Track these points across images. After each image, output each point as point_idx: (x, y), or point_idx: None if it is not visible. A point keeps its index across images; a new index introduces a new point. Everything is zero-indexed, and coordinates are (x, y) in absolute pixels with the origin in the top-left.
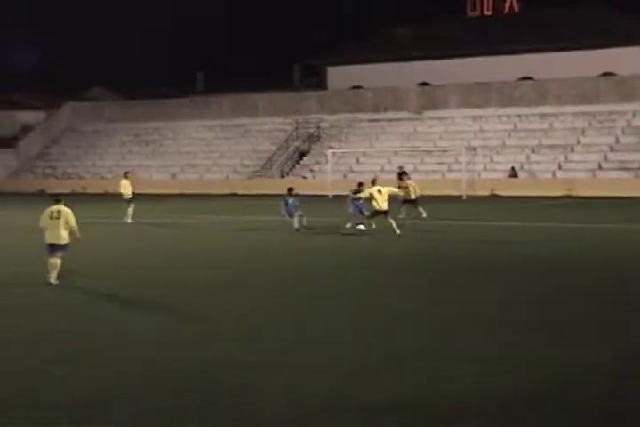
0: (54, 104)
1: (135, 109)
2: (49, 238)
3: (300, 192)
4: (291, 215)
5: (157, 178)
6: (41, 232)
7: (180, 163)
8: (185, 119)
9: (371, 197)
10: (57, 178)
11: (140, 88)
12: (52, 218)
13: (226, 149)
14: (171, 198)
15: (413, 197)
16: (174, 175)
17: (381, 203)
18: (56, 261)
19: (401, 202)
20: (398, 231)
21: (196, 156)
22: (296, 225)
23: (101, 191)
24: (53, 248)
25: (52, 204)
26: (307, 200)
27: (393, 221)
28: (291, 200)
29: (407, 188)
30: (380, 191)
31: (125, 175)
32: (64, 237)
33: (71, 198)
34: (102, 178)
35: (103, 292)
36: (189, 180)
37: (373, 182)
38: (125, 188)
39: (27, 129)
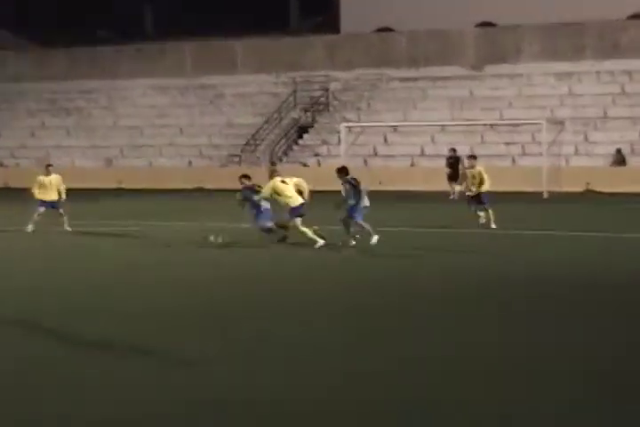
0: None
1: (52, 62)
2: None
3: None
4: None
5: (84, 165)
6: None
7: (119, 142)
8: (126, 77)
9: (274, 193)
10: None
11: (62, 31)
12: None
13: (187, 122)
14: (104, 195)
15: (474, 189)
16: (109, 161)
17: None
18: None
19: (468, 200)
20: (321, 242)
21: (142, 132)
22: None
23: (1, 185)
24: None
25: None
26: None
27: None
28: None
29: (478, 177)
30: (284, 182)
31: (48, 170)
32: None
33: None
34: (1, 165)
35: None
36: (132, 168)
37: (272, 174)
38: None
39: None
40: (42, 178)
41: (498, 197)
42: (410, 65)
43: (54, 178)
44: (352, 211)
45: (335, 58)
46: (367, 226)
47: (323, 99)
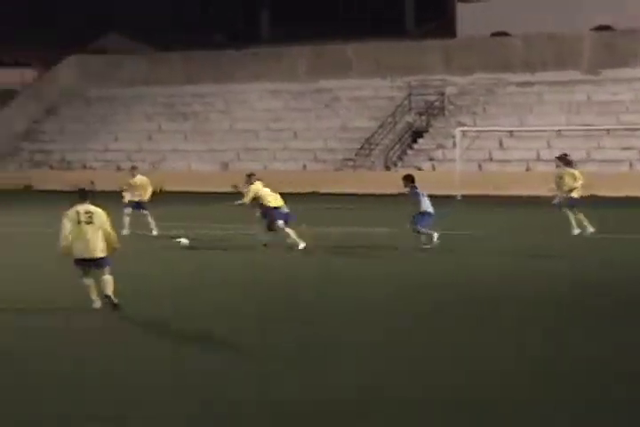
0: (49, 59)
1: (168, 66)
2: (77, 251)
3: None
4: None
5: (199, 168)
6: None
7: (235, 146)
8: (242, 81)
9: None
10: (51, 168)
11: (176, 35)
12: (79, 223)
13: (302, 126)
14: (221, 199)
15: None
16: (225, 165)
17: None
18: (108, 277)
19: (562, 204)
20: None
21: (257, 136)
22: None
23: (116, 188)
24: (88, 265)
25: (75, 202)
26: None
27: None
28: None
29: (567, 179)
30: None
31: (133, 172)
32: (101, 248)
33: (72, 198)
34: (118, 169)
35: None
36: (248, 171)
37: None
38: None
39: (7, 95)
40: (129, 180)
41: (615, 203)
42: (526, 69)
43: (140, 179)
44: (416, 218)
45: (451, 62)
46: (428, 232)
47: (438, 103)
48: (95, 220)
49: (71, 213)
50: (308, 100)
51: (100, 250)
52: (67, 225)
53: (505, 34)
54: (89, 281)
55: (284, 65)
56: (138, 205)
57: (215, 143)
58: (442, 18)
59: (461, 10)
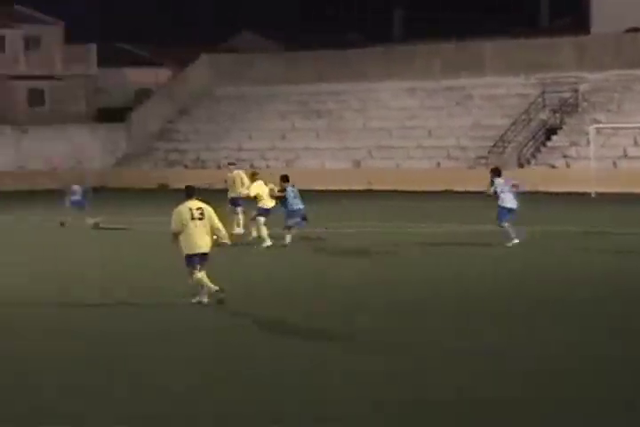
0: (182, 58)
1: (302, 65)
2: (192, 246)
3: (549, 188)
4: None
5: (333, 166)
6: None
7: (368, 144)
8: (376, 79)
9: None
10: (186, 167)
11: (308, 33)
12: (193, 218)
13: (435, 124)
14: (355, 197)
15: None
16: (357, 163)
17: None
18: (203, 274)
19: None
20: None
21: (391, 134)
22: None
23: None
24: (200, 259)
25: (184, 200)
26: (553, 199)
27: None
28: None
29: None
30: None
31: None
32: (208, 243)
33: (205, 196)
34: (252, 167)
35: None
36: (380, 169)
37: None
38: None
39: (143, 94)
40: (227, 175)
41: None
42: None
43: (237, 175)
44: (499, 213)
45: (585, 59)
46: (509, 230)
47: (572, 100)
48: (205, 215)
49: (184, 209)
50: (440, 98)
51: (207, 245)
52: (178, 221)
53: (639, 30)
54: (201, 274)
55: (417, 63)
56: (233, 202)
57: (349, 141)
58: (576, 13)
59: (596, 5)
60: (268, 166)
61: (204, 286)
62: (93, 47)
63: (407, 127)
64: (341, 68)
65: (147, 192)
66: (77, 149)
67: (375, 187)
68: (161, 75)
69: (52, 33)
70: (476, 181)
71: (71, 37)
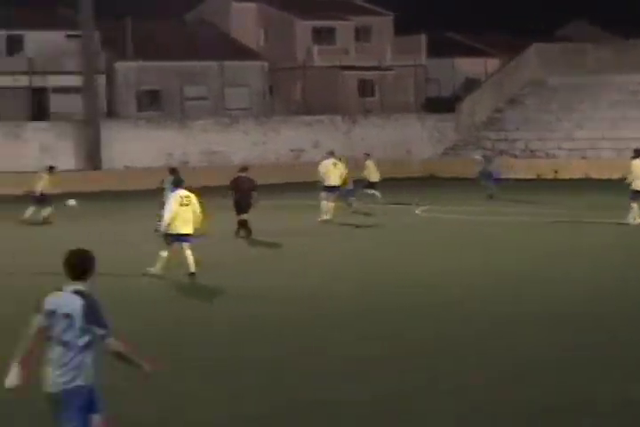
0: (511, 48)
1: (634, 54)
2: (175, 227)
3: None
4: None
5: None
6: None
7: None
8: None
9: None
10: (516, 157)
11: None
12: (181, 205)
13: None
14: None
15: None
16: None
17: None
18: (189, 253)
19: None
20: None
21: None
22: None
23: (581, 176)
24: (180, 238)
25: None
26: None
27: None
28: None
29: None
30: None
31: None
32: (190, 226)
33: (533, 186)
34: (582, 158)
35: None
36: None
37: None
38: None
39: (471, 84)
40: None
41: None
42: None
43: (339, 165)
44: None
45: None
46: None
47: None
48: (190, 202)
49: (177, 196)
50: None
51: (189, 228)
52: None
53: None
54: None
55: None
56: (333, 190)
57: None
58: None
59: None
60: (599, 157)
61: (159, 262)
62: (423, 38)
63: None
64: None
65: (474, 182)
66: (406, 139)
67: None
68: (490, 64)
69: (382, 24)
70: None
71: (400, 28)
